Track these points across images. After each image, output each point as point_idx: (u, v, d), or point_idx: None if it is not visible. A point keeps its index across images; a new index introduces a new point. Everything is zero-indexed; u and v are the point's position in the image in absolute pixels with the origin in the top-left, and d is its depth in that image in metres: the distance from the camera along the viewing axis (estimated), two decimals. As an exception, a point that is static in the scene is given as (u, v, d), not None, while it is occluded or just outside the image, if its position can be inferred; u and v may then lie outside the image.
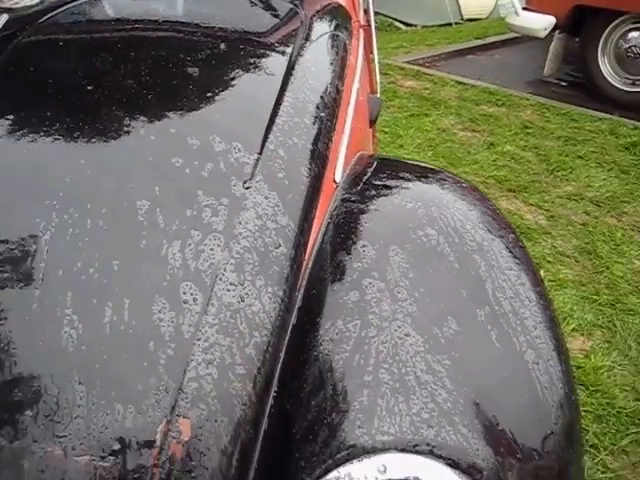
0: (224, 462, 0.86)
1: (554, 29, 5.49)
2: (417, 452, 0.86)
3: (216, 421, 0.86)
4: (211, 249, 0.95)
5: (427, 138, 4.94)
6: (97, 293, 0.89)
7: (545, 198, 3.90)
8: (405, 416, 0.88)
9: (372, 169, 1.35)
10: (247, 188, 1.03)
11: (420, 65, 7.18)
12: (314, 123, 1.24)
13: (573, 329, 2.70)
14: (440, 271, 1.05)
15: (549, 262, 3.21)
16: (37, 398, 0.83)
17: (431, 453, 0.86)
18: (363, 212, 1.16)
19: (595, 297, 2.92)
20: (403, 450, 0.86)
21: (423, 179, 1.28)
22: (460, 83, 6.33)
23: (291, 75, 1.34)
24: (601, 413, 2.27)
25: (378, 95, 2.54)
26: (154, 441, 0.83)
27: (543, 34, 4.08)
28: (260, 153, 1.10)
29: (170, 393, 0.85)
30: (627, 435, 2.17)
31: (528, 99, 5.83)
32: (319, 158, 1.19)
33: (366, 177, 1.30)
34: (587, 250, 3.33)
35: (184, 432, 0.84)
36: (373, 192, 1.23)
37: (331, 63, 1.55)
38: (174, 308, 0.90)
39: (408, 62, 7.21)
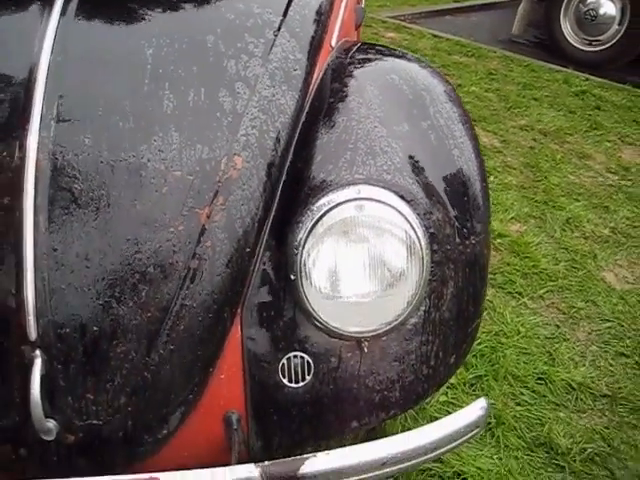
0: (257, 192, 1.33)
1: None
2: (377, 185, 1.34)
3: (254, 163, 1.33)
4: (254, 65, 1.41)
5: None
6: (190, 81, 1.35)
7: (501, 127, 4.39)
8: (372, 167, 1.36)
9: (357, 45, 1.81)
10: (275, 35, 1.49)
11: (401, 20, 7.58)
12: (320, 1, 1.69)
13: (512, 217, 3.22)
14: (400, 100, 1.52)
15: (498, 172, 3.72)
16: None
17: (384, 187, 1.34)
18: (350, 64, 1.62)
19: (532, 197, 3.43)
20: (370, 183, 1.34)
21: (396, 53, 1.74)
22: (436, 36, 6.77)
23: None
24: (527, 272, 2.79)
25: (362, 6, 2.97)
26: (220, 167, 1.30)
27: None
28: (284, 16, 1.55)
29: (229, 141, 1.32)
30: (544, 287, 2.69)
31: (495, 52, 6.28)
32: (323, 25, 1.65)
33: (353, 48, 1.76)
34: (531, 165, 3.83)
35: (238, 163, 1.31)
36: (357, 54, 1.69)
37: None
38: (231, 95, 1.36)
39: (390, 17, 7.62)
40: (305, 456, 1.27)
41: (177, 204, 1.26)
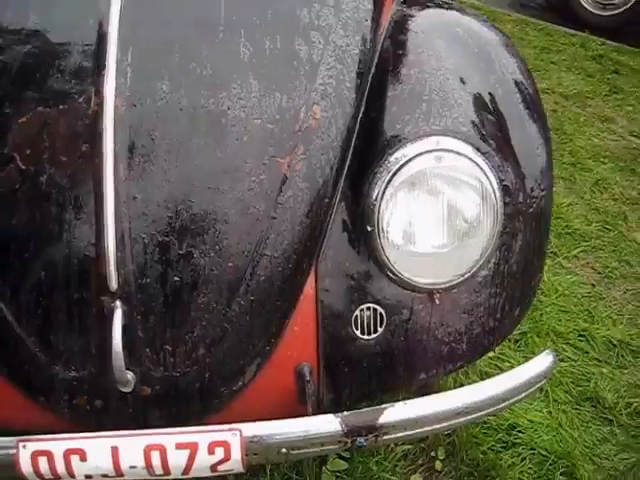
0: (335, 141, 1.31)
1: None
2: (455, 137, 1.33)
3: (332, 112, 1.31)
4: (326, 15, 1.38)
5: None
6: (265, 29, 1.32)
7: (521, 90, 4.32)
8: (448, 119, 1.34)
9: None
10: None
11: (413, -17, 7.44)
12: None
13: (541, 180, 3.19)
14: (466, 53, 1.49)
15: (523, 135, 3.68)
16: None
17: (461, 139, 1.33)
18: (412, 15, 1.59)
19: (560, 159, 3.41)
20: (448, 135, 1.32)
21: (453, 6, 1.71)
22: (448, -3, 6.64)
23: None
24: (561, 232, 2.78)
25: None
26: (300, 116, 1.28)
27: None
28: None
29: (307, 90, 1.30)
30: (578, 247, 2.70)
31: (510, 15, 6.17)
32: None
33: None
34: (555, 127, 3.79)
35: (317, 112, 1.29)
36: (418, 6, 1.66)
37: None
38: (307, 44, 1.33)
39: (402, -20, 7.47)
40: (383, 406, 1.27)
41: (258, 153, 1.24)
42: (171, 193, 1.20)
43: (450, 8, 1.68)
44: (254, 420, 1.27)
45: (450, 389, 1.61)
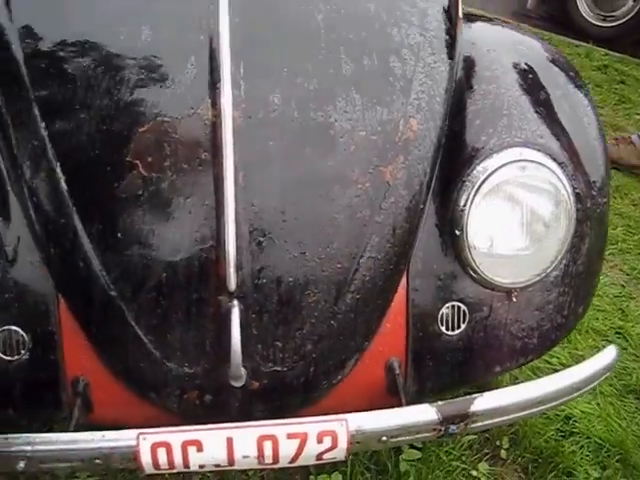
0: (429, 152, 1.41)
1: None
2: (535, 148, 1.44)
3: (426, 125, 1.41)
4: (414, 34, 1.48)
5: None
6: (362, 47, 1.41)
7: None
8: (528, 131, 1.46)
9: (473, 15, 1.87)
10: (426, 4, 1.54)
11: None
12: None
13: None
14: (532, 69, 1.60)
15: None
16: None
17: (540, 150, 1.44)
18: (478, 32, 1.68)
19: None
20: (529, 147, 1.44)
21: (507, 25, 1.82)
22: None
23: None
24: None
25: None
26: (399, 128, 1.38)
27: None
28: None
29: (404, 104, 1.40)
30: (606, 250, 2.71)
31: (517, 25, 6.35)
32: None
33: (472, 18, 1.81)
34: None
35: (413, 125, 1.39)
36: (480, 25, 1.75)
37: None
38: (400, 61, 1.43)
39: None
40: (473, 396, 1.37)
41: (364, 162, 1.33)
42: (285, 199, 1.29)
43: (505, 26, 1.80)
44: (346, 411, 1.37)
45: (506, 383, 1.74)
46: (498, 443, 1.78)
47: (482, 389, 1.46)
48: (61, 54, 1.37)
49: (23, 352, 1.35)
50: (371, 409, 1.38)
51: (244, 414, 1.37)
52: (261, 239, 1.27)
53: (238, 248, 1.25)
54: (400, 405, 1.40)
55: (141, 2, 1.43)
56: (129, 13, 1.40)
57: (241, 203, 1.26)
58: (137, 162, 1.27)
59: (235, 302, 1.27)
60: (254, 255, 1.27)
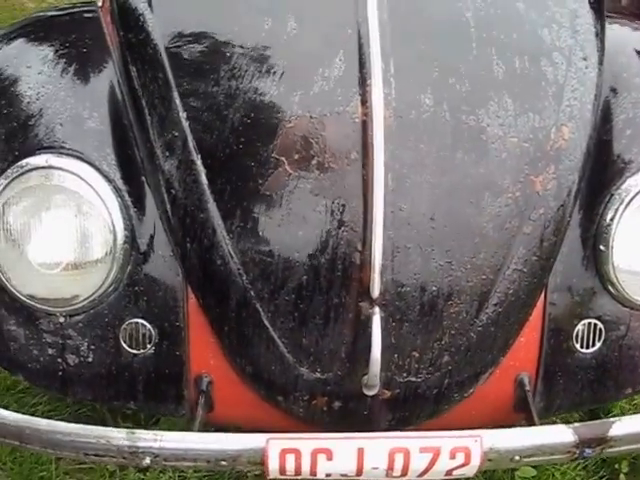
0: (580, 162, 1.34)
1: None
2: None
3: (577, 134, 1.34)
4: (564, 36, 1.41)
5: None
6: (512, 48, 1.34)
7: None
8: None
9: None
10: (577, 5, 1.47)
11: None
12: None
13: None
14: None
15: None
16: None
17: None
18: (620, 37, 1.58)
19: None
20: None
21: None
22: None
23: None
24: None
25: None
26: (550, 136, 1.31)
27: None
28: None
29: (556, 111, 1.33)
30: None
31: None
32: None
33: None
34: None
35: (565, 133, 1.33)
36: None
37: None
38: (552, 65, 1.36)
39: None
40: (611, 419, 1.31)
41: (514, 170, 1.27)
42: (434, 205, 1.24)
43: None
44: (468, 426, 1.32)
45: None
46: (617, 466, 1.71)
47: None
48: (203, 44, 1.34)
49: (149, 346, 1.33)
50: (495, 424, 1.33)
51: (369, 423, 1.33)
52: (408, 245, 1.22)
53: (384, 253, 1.20)
54: (530, 422, 1.35)
55: None
56: (273, 4, 1.35)
57: (389, 206, 1.21)
58: (283, 159, 1.23)
59: (376, 309, 1.23)
60: (399, 261, 1.22)
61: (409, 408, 1.32)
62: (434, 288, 1.24)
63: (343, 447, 1.24)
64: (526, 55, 1.34)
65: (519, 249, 1.26)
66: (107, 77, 1.40)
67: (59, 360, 1.34)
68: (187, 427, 1.35)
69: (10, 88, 1.39)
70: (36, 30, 1.50)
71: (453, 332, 1.26)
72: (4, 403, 1.67)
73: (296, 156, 1.23)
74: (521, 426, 1.35)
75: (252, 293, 1.24)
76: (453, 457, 1.26)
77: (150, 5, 1.37)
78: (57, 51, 1.42)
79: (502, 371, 1.37)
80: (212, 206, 1.24)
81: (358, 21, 1.30)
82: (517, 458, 1.28)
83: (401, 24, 1.30)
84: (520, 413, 1.38)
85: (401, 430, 1.33)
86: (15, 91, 1.38)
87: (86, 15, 1.53)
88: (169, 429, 1.56)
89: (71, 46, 1.43)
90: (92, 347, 1.34)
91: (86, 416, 1.69)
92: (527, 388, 1.36)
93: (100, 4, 1.56)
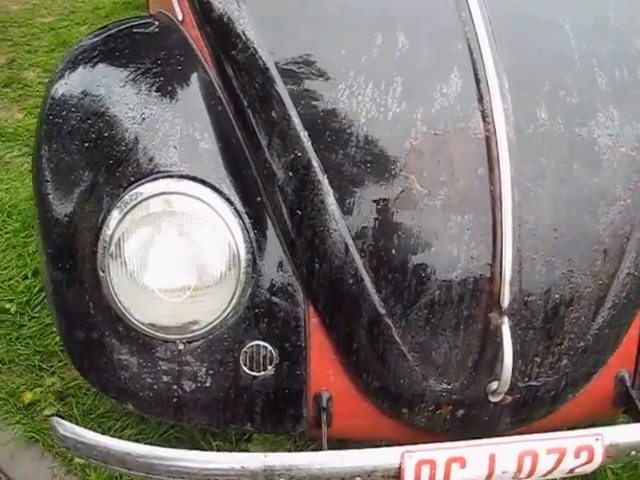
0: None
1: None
2: None
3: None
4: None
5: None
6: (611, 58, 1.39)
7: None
8: None
9: None
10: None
11: None
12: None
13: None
14: None
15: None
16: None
17: None
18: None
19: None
20: None
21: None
22: None
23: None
24: None
25: None
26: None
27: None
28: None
29: None
30: None
31: None
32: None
33: None
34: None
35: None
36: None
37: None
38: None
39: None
40: None
41: (625, 179, 1.32)
42: (557, 216, 1.28)
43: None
44: (569, 424, 1.38)
45: None
46: None
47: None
48: (314, 62, 1.33)
49: (270, 367, 1.32)
50: (594, 420, 1.39)
51: (489, 428, 1.37)
52: (534, 256, 1.26)
53: (513, 265, 1.24)
54: (635, 417, 1.40)
55: (391, 7, 1.38)
56: (380, 19, 1.35)
57: (516, 220, 1.24)
58: (412, 176, 1.24)
59: (505, 319, 1.26)
60: (526, 272, 1.26)
61: (527, 411, 1.36)
62: (557, 295, 1.28)
63: (475, 454, 1.28)
64: (624, 65, 1.39)
65: (631, 254, 1.32)
66: (208, 95, 1.38)
67: (174, 387, 1.32)
68: (302, 444, 1.35)
69: (107, 109, 1.34)
70: (118, 47, 1.45)
71: (572, 336, 1.31)
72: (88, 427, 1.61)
73: (424, 173, 1.24)
74: (624, 421, 1.41)
75: (384, 310, 1.25)
76: (577, 456, 1.31)
77: (253, 22, 1.35)
78: (150, 69, 1.38)
79: (604, 369, 1.43)
80: (342, 226, 1.24)
81: (467, 35, 1.31)
82: (633, 453, 1.34)
83: (507, 37, 1.33)
84: (616, 408, 1.44)
85: (516, 431, 1.36)
86: (114, 112, 1.34)
87: (168, 30, 1.48)
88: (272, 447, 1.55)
89: (163, 63, 1.39)
90: (210, 372, 1.32)
91: (175, 438, 1.66)
92: (629, 384, 1.42)
93: (180, 18, 1.52)
